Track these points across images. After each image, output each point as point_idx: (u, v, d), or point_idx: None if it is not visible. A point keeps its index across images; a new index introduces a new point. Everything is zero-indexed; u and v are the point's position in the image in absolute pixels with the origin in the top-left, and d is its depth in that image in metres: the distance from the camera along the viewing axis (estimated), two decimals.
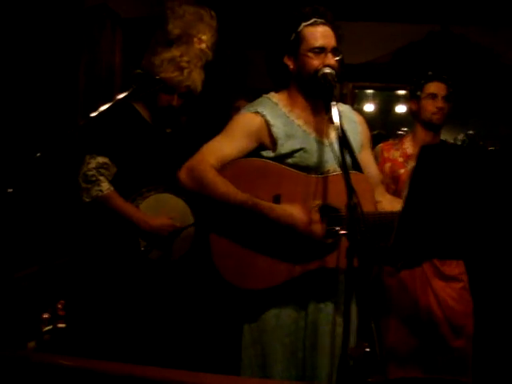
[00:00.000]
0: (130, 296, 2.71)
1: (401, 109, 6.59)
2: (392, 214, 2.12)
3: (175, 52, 2.76)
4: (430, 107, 3.04)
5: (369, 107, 6.53)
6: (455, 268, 3.01)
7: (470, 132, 3.33)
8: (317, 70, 2.18)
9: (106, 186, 2.68)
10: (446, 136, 3.30)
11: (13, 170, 1.95)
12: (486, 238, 1.86)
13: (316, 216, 2.13)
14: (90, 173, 2.67)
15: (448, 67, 4.39)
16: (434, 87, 3.06)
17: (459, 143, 3.36)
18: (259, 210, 2.12)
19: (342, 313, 2.23)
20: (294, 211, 2.12)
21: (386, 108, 6.65)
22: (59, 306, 3.19)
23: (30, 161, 1.97)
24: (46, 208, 3.21)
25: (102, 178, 2.68)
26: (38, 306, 3.13)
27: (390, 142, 3.30)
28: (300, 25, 2.23)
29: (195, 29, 2.81)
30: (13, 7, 3.14)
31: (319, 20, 2.22)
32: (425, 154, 1.68)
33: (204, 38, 2.85)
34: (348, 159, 1.96)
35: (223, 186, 2.14)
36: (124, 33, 3.57)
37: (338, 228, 2.00)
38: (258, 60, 5.21)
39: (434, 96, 3.04)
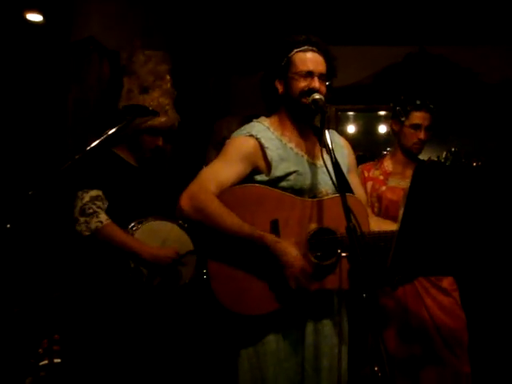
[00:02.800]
0: (137, 326, 2.70)
1: (383, 129, 6.67)
2: (386, 233, 2.16)
3: (156, 97, 2.89)
4: (412, 137, 3.08)
5: (351, 128, 6.61)
6: (447, 283, 3.04)
7: (453, 149, 3.38)
8: (302, 92, 2.25)
9: (104, 217, 2.67)
10: (428, 153, 3.33)
11: (10, 205, 1.95)
12: (479, 254, 1.90)
13: (308, 268, 2.15)
14: (87, 206, 2.66)
15: (428, 87, 4.48)
16: (419, 117, 3.07)
17: (442, 160, 3.42)
18: (264, 243, 2.12)
19: (339, 334, 2.32)
20: (292, 254, 2.13)
21: (368, 129, 6.73)
22: (54, 340, 3.16)
23: (27, 196, 1.97)
24: (43, 242, 3.19)
25: (99, 210, 2.68)
26: (34, 340, 3.10)
27: (370, 163, 3.32)
28: (292, 51, 2.30)
29: (161, 71, 2.97)
30: (5, 42, 3.16)
31: (310, 47, 2.29)
32: (419, 174, 1.72)
33: (168, 77, 2.99)
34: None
35: (228, 218, 2.13)
36: (111, 65, 3.60)
37: (339, 250, 2.02)
38: (241, 86, 5.33)
39: (417, 127, 3.07)
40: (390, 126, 3.25)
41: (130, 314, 2.69)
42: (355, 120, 6.62)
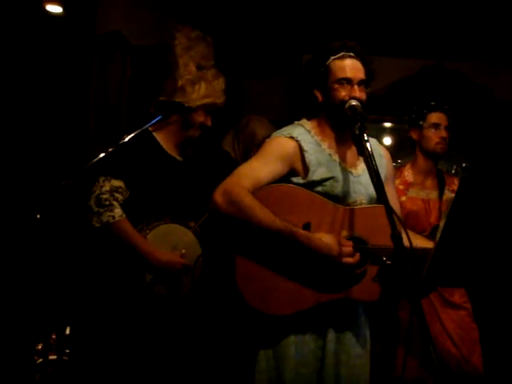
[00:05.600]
0: (134, 329, 2.60)
1: (388, 141, 6.66)
2: (421, 249, 2.14)
3: (212, 76, 2.82)
4: (434, 137, 3.09)
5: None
6: (457, 295, 3.05)
7: (464, 164, 3.38)
8: (343, 102, 2.22)
9: (118, 213, 2.56)
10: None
11: (40, 197, 1.92)
12: None
13: (349, 248, 2.15)
14: (104, 196, 2.55)
15: (441, 101, 4.51)
16: (437, 117, 3.11)
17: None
18: (296, 238, 2.11)
19: (361, 344, 2.30)
20: (329, 242, 2.12)
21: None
22: (52, 337, 3.14)
23: (59, 187, 1.94)
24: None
25: (115, 202, 2.56)
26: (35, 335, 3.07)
27: None
28: (329, 58, 2.28)
29: (211, 53, 2.92)
30: (25, 35, 3.13)
31: (347, 54, 2.27)
32: (467, 183, 1.71)
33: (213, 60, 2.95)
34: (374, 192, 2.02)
35: (261, 212, 2.12)
36: (134, 60, 3.57)
37: (384, 258, 2.01)
38: (253, 90, 5.31)
39: (437, 126, 3.10)
40: (409, 137, 3.25)
41: (129, 316, 2.60)
42: None
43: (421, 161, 3.19)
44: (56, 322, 3.07)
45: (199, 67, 2.83)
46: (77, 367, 2.96)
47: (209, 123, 2.85)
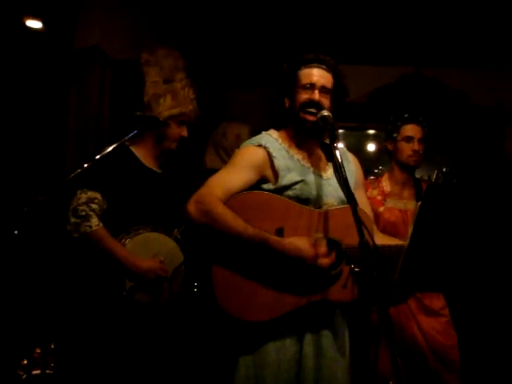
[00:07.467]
0: (115, 338, 2.63)
1: (371, 147, 6.72)
2: (393, 247, 2.20)
3: (180, 87, 2.88)
4: (407, 150, 3.13)
5: (339, 146, 6.62)
6: (437, 302, 3.08)
7: (444, 169, 3.42)
8: (303, 104, 2.30)
9: (95, 222, 2.63)
10: (418, 172, 3.37)
11: (18, 212, 1.93)
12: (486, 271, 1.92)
13: (323, 249, 2.18)
14: (80, 207, 2.63)
15: (421, 108, 4.56)
16: (410, 130, 3.15)
17: (433, 180, 3.46)
18: (268, 244, 2.15)
19: (338, 345, 2.32)
20: (301, 245, 2.16)
21: (357, 147, 6.76)
22: (37, 352, 3.13)
23: (36, 203, 1.96)
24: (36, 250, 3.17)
25: (92, 213, 2.63)
26: (20, 350, 3.07)
27: (368, 181, 3.31)
28: (300, 68, 2.37)
29: (180, 66, 2.97)
30: (5, 50, 3.15)
31: (317, 64, 2.35)
32: (431, 193, 1.76)
33: (185, 72, 3.00)
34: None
35: (232, 220, 2.16)
36: (113, 74, 3.60)
37: (352, 266, 2.04)
38: (235, 100, 5.35)
39: (409, 139, 3.13)
40: (386, 149, 3.29)
41: (112, 325, 2.64)
42: (345, 138, 6.65)
43: (397, 172, 3.23)
44: (40, 336, 3.08)
45: (166, 81, 2.90)
46: (61, 381, 2.96)
47: (184, 133, 2.92)
